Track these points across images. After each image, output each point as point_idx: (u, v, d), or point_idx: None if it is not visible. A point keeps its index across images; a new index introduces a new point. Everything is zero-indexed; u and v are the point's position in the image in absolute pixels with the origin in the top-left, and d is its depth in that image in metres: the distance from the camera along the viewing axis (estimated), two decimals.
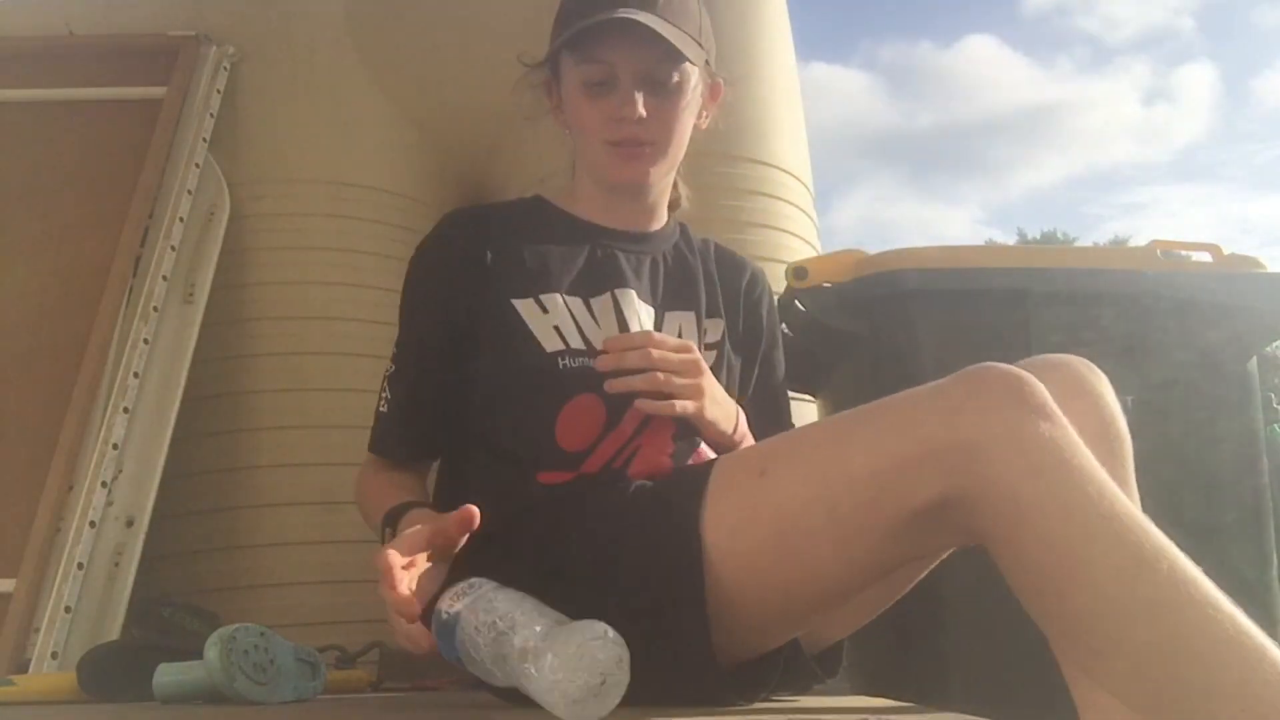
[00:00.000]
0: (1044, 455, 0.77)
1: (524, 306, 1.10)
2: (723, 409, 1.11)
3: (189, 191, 1.99)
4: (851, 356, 1.72)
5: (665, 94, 1.12)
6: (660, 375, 1.04)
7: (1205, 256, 1.72)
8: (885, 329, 1.64)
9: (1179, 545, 0.76)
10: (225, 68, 2.17)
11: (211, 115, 2.09)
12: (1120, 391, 1.00)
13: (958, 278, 1.62)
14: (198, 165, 2.03)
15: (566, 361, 1.07)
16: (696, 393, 1.06)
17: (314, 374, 2.06)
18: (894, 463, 0.83)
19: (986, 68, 70.48)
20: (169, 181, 2.00)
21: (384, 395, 1.17)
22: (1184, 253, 1.75)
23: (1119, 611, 0.73)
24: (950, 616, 1.50)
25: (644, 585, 0.91)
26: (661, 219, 1.24)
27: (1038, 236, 24.88)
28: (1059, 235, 25.21)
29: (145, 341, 1.82)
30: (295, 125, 2.19)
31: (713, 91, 1.21)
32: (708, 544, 0.90)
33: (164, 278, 1.89)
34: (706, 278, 1.23)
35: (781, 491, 0.89)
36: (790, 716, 0.89)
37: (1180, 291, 1.65)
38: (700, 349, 1.16)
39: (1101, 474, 0.77)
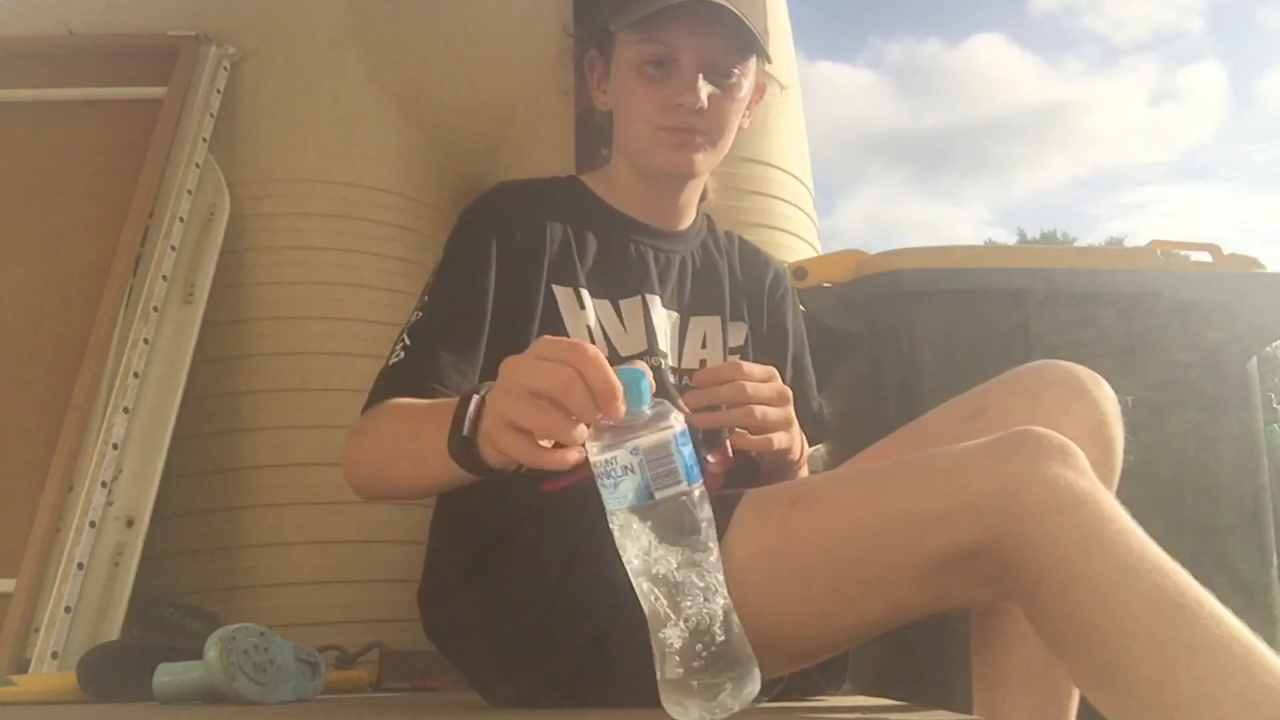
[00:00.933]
0: (1085, 509, 0.77)
1: (563, 296, 1.05)
2: (798, 435, 1.08)
3: (189, 191, 1.99)
4: (851, 356, 1.73)
5: (726, 86, 1.07)
6: (757, 411, 1.00)
7: (1205, 256, 1.72)
8: (885, 329, 1.65)
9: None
10: (225, 68, 2.17)
11: (211, 115, 2.09)
12: (1120, 391, 1.01)
13: (957, 278, 1.62)
14: (198, 165, 2.02)
15: None
16: (787, 423, 1.03)
17: (314, 374, 2.06)
18: (931, 507, 0.82)
19: (994, 67, 70.08)
20: (169, 181, 1.99)
21: (402, 343, 1.02)
22: (1184, 253, 1.76)
23: (1164, 655, 0.72)
24: (950, 616, 1.50)
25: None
26: (691, 216, 1.19)
27: (1037, 236, 24.89)
28: (1059, 235, 25.22)
29: (145, 341, 1.82)
30: (295, 125, 2.19)
31: (758, 92, 1.16)
32: (726, 570, 0.88)
33: (164, 278, 1.89)
34: (731, 279, 1.19)
35: (811, 525, 0.86)
36: (790, 716, 0.89)
37: (1180, 291, 1.66)
38: (724, 355, 1.14)
39: (1142, 532, 0.77)
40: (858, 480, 0.90)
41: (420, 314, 1.03)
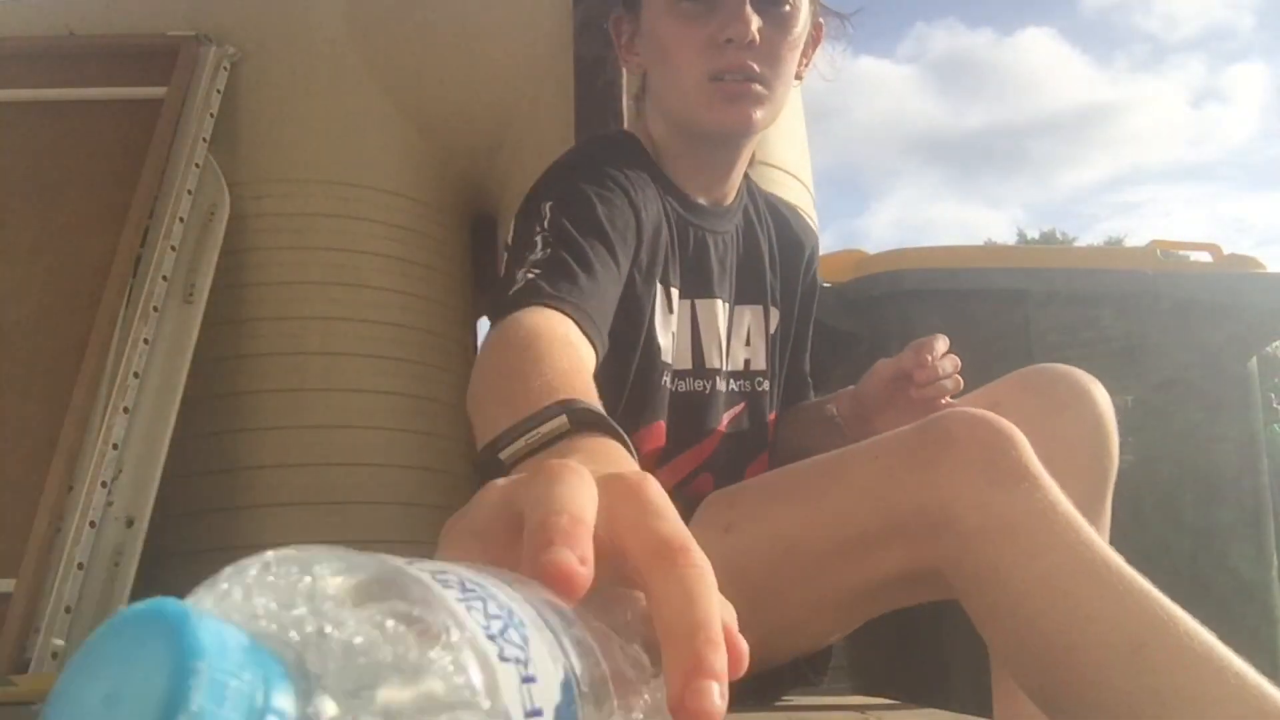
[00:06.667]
0: (1021, 533, 0.69)
1: (658, 294, 0.95)
2: None
3: (189, 191, 1.99)
4: (851, 356, 1.73)
5: (777, 20, 0.94)
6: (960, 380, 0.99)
7: (1205, 256, 1.73)
8: (885, 329, 1.65)
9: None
10: (225, 68, 2.17)
11: (211, 115, 2.09)
12: (1120, 391, 1.01)
13: (957, 278, 1.62)
14: (198, 165, 2.02)
15: (665, 380, 0.96)
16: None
17: (314, 374, 2.06)
18: (860, 533, 0.77)
19: (1042, 63, 68.50)
20: (169, 181, 1.99)
21: (528, 269, 0.81)
22: (1184, 253, 1.76)
23: (1131, 707, 0.64)
24: (950, 616, 1.50)
25: None
26: (736, 188, 1.08)
27: (1036, 237, 24.91)
28: (1058, 235, 25.24)
29: (145, 341, 1.82)
30: (296, 125, 2.19)
31: (815, 35, 1.03)
32: None
33: (164, 278, 1.89)
34: (770, 261, 1.11)
35: (747, 554, 0.82)
36: (790, 716, 0.89)
37: (1180, 291, 1.66)
38: (766, 346, 1.10)
39: (1086, 529, 0.69)
40: (790, 500, 0.85)
41: (545, 250, 0.83)
